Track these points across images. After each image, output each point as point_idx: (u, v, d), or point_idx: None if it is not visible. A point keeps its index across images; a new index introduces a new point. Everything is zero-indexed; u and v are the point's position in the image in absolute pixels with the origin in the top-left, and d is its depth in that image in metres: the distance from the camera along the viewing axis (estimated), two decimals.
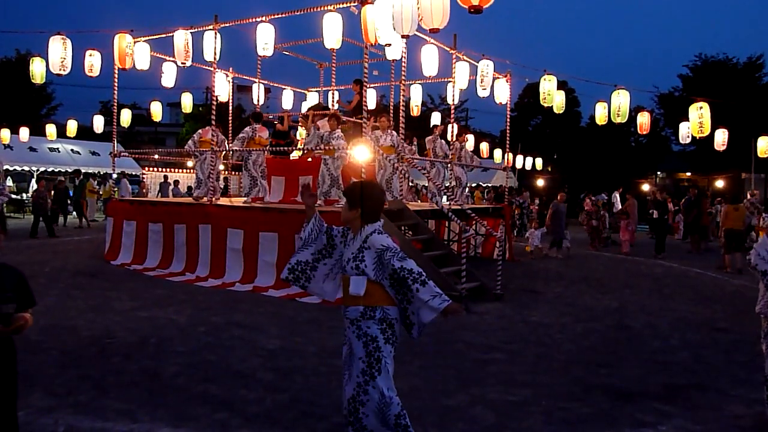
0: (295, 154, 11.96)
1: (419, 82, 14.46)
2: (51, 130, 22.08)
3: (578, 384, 4.78)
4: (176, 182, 20.06)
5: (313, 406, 4.12)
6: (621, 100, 12.61)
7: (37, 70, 11.70)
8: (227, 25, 10.49)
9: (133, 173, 25.28)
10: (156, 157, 20.49)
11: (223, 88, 13.98)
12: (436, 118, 16.20)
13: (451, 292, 6.73)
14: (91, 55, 11.64)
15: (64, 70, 10.84)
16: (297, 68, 16.43)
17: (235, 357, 5.27)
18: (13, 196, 23.34)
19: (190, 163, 13.09)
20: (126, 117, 18.21)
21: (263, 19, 9.99)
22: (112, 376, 4.56)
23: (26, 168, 23.25)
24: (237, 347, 5.60)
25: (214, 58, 10.69)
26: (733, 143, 14.66)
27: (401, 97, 9.99)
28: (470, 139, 19.05)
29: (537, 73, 13.24)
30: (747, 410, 4.31)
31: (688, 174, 35.10)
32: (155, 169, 19.27)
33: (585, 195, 17.73)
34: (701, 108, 11.98)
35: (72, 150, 24.89)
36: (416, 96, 15.16)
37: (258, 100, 14.06)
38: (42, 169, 23.53)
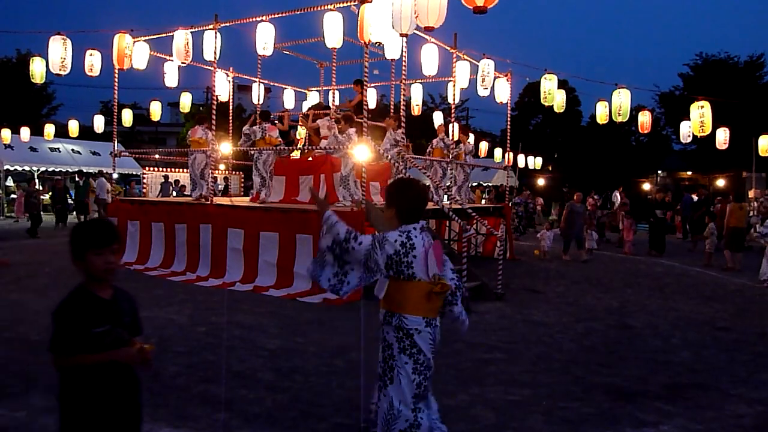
0: (296, 154, 11.95)
1: (420, 81, 14.44)
2: (51, 130, 22.10)
3: (579, 383, 4.77)
4: (177, 182, 19.99)
5: (314, 406, 4.11)
6: (622, 99, 12.60)
7: (37, 69, 11.70)
8: (227, 24, 10.48)
9: (134, 173, 25.31)
10: (157, 156, 20.45)
11: (223, 87, 13.98)
12: (437, 118, 16.20)
13: None
14: (91, 55, 11.64)
15: (64, 70, 10.84)
16: (297, 68, 16.43)
17: (235, 357, 5.27)
18: (13, 195, 23.38)
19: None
20: (127, 117, 18.23)
21: (263, 18, 9.98)
22: None
23: (27, 168, 23.27)
24: (237, 347, 5.60)
25: (215, 58, 10.68)
26: (734, 142, 14.64)
27: (402, 96, 9.98)
28: (471, 138, 19.11)
29: (537, 72, 13.25)
30: (748, 409, 4.31)
31: (689, 173, 35.10)
32: (156, 168, 19.24)
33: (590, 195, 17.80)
34: (702, 107, 11.96)
35: (73, 150, 24.92)
36: (417, 95, 15.15)
37: (258, 100, 14.04)
38: (43, 169, 23.55)
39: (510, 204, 14.51)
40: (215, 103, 11.01)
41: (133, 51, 11.38)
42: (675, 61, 39.19)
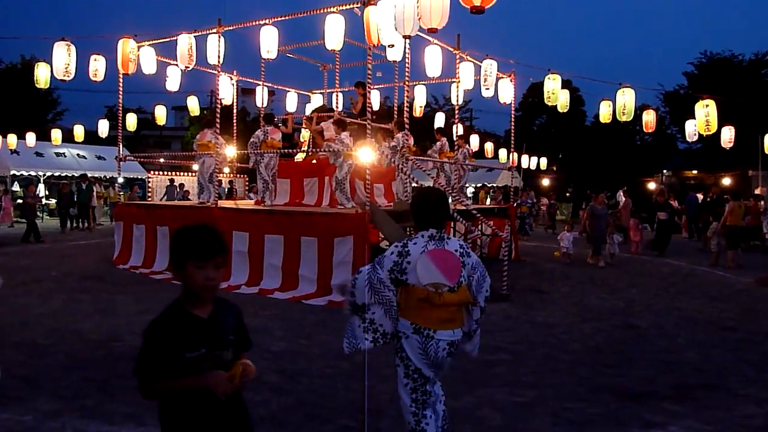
0: (300, 157, 11.97)
1: (423, 82, 14.45)
2: (57, 135, 22.19)
3: (585, 384, 4.75)
4: (182, 185, 20.06)
5: (319, 409, 4.11)
6: (626, 98, 12.55)
7: (41, 75, 11.76)
8: (231, 28, 10.51)
9: (140, 177, 25.38)
10: (161, 160, 20.53)
11: (227, 91, 14.01)
12: (440, 120, 16.19)
13: None
14: (95, 60, 11.68)
15: (68, 75, 10.88)
16: (301, 70, 16.45)
17: None
18: (20, 201, 23.47)
19: (195, 166, 13.15)
20: (131, 121, 18.29)
21: (266, 21, 10.00)
22: (118, 380, 4.56)
23: (33, 173, 23.38)
24: None
25: (218, 62, 10.71)
26: (739, 141, 14.58)
27: (405, 98, 9.99)
28: (474, 139, 19.05)
29: (541, 72, 13.22)
30: (757, 410, 4.28)
31: (695, 172, 34.97)
32: (161, 172, 19.31)
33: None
34: (707, 105, 11.92)
35: (78, 154, 25.02)
36: (420, 97, 15.15)
37: (262, 103, 14.08)
38: (48, 173, 23.65)
39: (514, 204, 14.49)
40: (219, 106, 11.03)
41: (139, 56, 11.42)
42: (679, 60, 39.03)
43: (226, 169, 16.23)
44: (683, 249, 15.69)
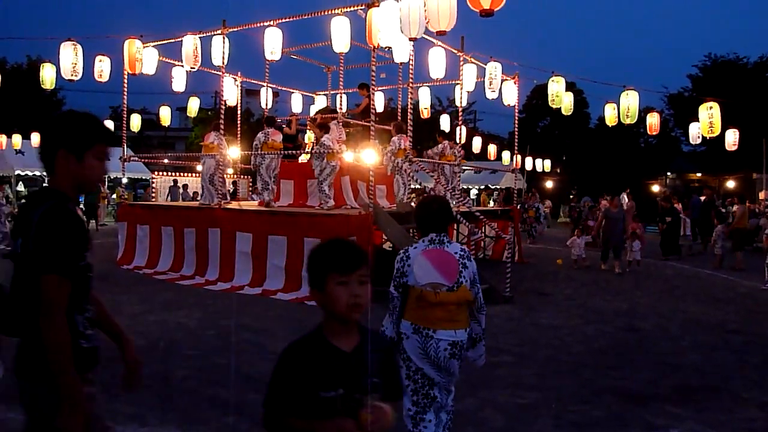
0: (304, 158, 11.99)
1: (427, 84, 14.46)
2: None
3: (588, 386, 4.75)
4: (185, 186, 20.12)
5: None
6: (630, 101, 12.54)
7: (47, 75, 11.80)
8: (235, 29, 10.54)
9: (144, 177, 25.45)
10: (165, 161, 20.57)
11: (231, 92, 14.05)
12: (444, 121, 16.19)
13: None
14: (101, 61, 11.72)
15: (75, 75, 10.92)
16: (305, 72, 16.46)
17: (244, 360, 5.28)
18: (24, 200, 23.56)
19: (199, 167, 13.25)
20: (136, 122, 18.34)
21: (271, 23, 10.02)
22: (119, 380, 4.58)
23: (38, 173, 23.43)
24: (246, 350, 5.61)
25: (223, 63, 10.74)
26: (744, 143, 14.54)
27: (409, 99, 10.00)
28: (474, 144, 19.05)
29: (545, 74, 13.23)
30: (760, 413, 4.28)
31: (699, 175, 34.88)
32: (165, 173, 19.35)
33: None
34: (711, 108, 11.89)
35: None
36: (424, 99, 15.17)
37: (266, 104, 14.10)
38: None
39: (518, 207, 14.47)
40: (223, 107, 11.06)
41: (144, 56, 11.46)
42: (683, 63, 39.04)
43: (230, 170, 16.28)
44: (686, 251, 15.65)
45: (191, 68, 11.25)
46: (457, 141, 12.43)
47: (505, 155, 24.26)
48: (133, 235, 11.14)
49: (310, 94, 16.07)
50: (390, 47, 8.79)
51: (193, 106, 16.55)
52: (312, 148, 12.62)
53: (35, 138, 21.65)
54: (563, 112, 13.70)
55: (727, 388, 4.80)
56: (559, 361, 5.50)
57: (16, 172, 22.46)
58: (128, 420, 3.86)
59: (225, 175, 11.56)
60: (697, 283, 10.55)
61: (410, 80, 10.01)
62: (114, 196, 23.04)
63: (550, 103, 13.20)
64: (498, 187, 26.74)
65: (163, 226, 10.61)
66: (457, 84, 12.11)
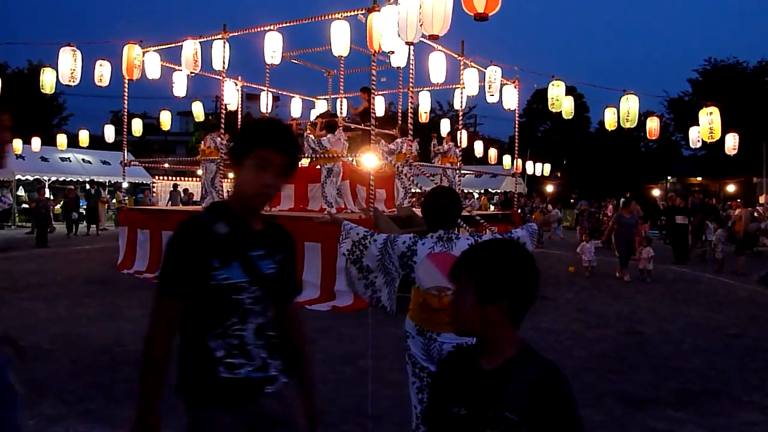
0: (304, 162, 12.00)
1: (427, 89, 14.49)
2: (62, 140, 22.30)
3: (589, 390, 4.74)
4: (186, 190, 20.20)
5: (323, 414, 4.10)
6: (630, 105, 12.57)
7: (47, 80, 11.83)
8: (236, 34, 10.56)
9: (145, 182, 25.49)
10: (166, 165, 20.60)
11: (232, 96, 14.08)
12: (445, 126, 16.22)
13: None
14: (101, 66, 11.75)
15: (73, 80, 10.95)
16: (305, 76, 16.51)
17: None
18: (25, 205, 23.57)
19: (200, 172, 13.36)
20: (137, 126, 18.36)
21: (271, 27, 10.05)
22: (122, 385, 4.57)
23: (38, 177, 23.47)
24: None
25: (223, 67, 10.76)
26: (744, 147, 14.57)
27: (409, 104, 10.02)
28: (475, 148, 19.08)
29: (545, 78, 13.26)
30: (761, 417, 4.26)
31: (699, 179, 34.91)
32: (165, 177, 19.38)
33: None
34: (711, 112, 11.92)
35: (83, 159, 25.11)
36: (425, 103, 15.19)
37: (267, 108, 14.12)
38: (54, 178, 23.74)
39: (518, 210, 14.46)
40: (224, 112, 11.08)
41: (144, 61, 11.49)
42: (684, 67, 39.15)
43: (231, 174, 16.30)
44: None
45: (192, 73, 11.28)
46: (458, 144, 12.44)
47: (506, 159, 24.31)
48: (134, 239, 11.13)
49: (311, 99, 16.09)
50: (393, 51, 8.81)
51: (198, 110, 16.59)
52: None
53: (35, 143, 21.70)
54: (563, 116, 13.73)
55: (729, 392, 4.79)
56: (561, 365, 5.42)
57: (17, 177, 22.47)
58: (128, 425, 3.84)
59: (226, 179, 11.57)
60: (698, 287, 10.53)
61: (410, 84, 10.02)
62: (114, 200, 23.05)
63: (550, 107, 13.24)
64: (498, 190, 26.76)
65: (164, 230, 10.60)
66: (458, 88, 12.13)
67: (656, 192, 29.93)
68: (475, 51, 11.67)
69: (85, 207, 20.21)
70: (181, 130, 49.84)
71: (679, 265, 13.42)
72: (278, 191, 1.80)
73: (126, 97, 12.20)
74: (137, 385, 1.80)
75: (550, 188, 31.41)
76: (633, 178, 31.85)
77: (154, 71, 11.80)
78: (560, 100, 13.01)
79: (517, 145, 13.54)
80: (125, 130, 12.97)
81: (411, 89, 10.25)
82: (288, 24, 10.04)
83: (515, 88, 12.97)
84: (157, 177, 25.05)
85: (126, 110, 12.55)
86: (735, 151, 13.92)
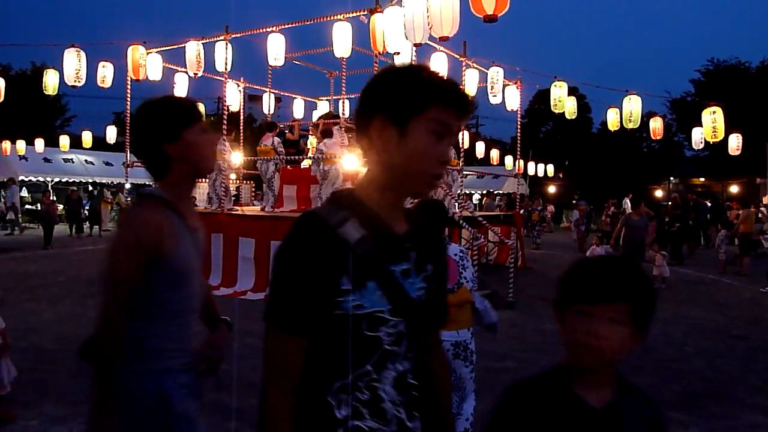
0: (306, 163, 12.01)
1: None
2: (65, 141, 22.34)
3: None
4: None
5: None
6: (633, 105, 12.55)
7: (50, 81, 11.86)
8: (238, 35, 10.57)
9: (147, 183, 25.51)
10: None
11: (234, 97, 14.08)
12: None
13: None
14: (104, 67, 11.77)
15: (78, 81, 10.96)
16: (307, 77, 16.54)
17: (246, 366, 5.26)
18: (28, 206, 23.63)
19: None
20: None
21: (274, 29, 10.06)
22: None
23: (41, 179, 23.52)
24: (249, 356, 5.60)
25: (226, 69, 10.77)
26: (747, 148, 14.53)
27: None
28: (477, 148, 19.06)
29: (547, 79, 13.24)
30: (764, 419, 4.25)
31: (702, 179, 34.85)
32: None
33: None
34: (714, 113, 11.89)
35: (86, 161, 25.16)
36: None
37: (269, 110, 14.13)
38: (57, 179, 23.80)
39: (521, 212, 14.44)
40: (226, 113, 11.09)
41: (147, 62, 11.51)
42: (686, 67, 39.10)
43: (233, 176, 16.31)
44: (687, 256, 15.60)
45: (195, 74, 11.28)
46: (459, 146, 12.43)
47: (508, 160, 24.29)
48: None
49: (313, 100, 16.10)
50: (392, 53, 8.81)
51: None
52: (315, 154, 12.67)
53: (39, 144, 21.75)
54: (566, 116, 13.72)
55: (731, 394, 4.77)
56: None
57: (20, 178, 22.53)
58: None
59: (228, 180, 11.58)
60: (700, 289, 10.51)
61: None
62: (115, 201, 23.09)
63: (552, 108, 13.22)
64: (500, 191, 26.73)
65: None
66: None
67: (659, 193, 29.90)
68: (477, 52, 11.68)
69: (87, 208, 20.24)
70: None
71: (681, 267, 13.40)
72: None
73: (129, 99, 12.22)
74: None
75: (552, 189, 31.38)
76: (636, 179, 31.80)
77: (155, 72, 11.82)
78: (562, 101, 12.99)
79: (519, 145, 13.52)
80: (128, 131, 12.98)
81: None
82: (290, 25, 10.05)
83: (517, 88, 12.95)
84: None
85: (129, 111, 12.55)
86: (738, 152, 13.88)
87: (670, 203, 15.95)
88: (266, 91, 14.00)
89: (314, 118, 14.24)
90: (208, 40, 10.98)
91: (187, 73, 12.16)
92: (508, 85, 12.76)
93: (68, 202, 19.23)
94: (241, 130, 14.27)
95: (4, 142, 21.36)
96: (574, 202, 28.16)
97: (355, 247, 1.17)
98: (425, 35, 7.34)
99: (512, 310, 8.02)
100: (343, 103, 11.41)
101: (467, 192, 24.44)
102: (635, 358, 5.82)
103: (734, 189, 27.14)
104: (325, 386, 1.21)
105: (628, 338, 1.20)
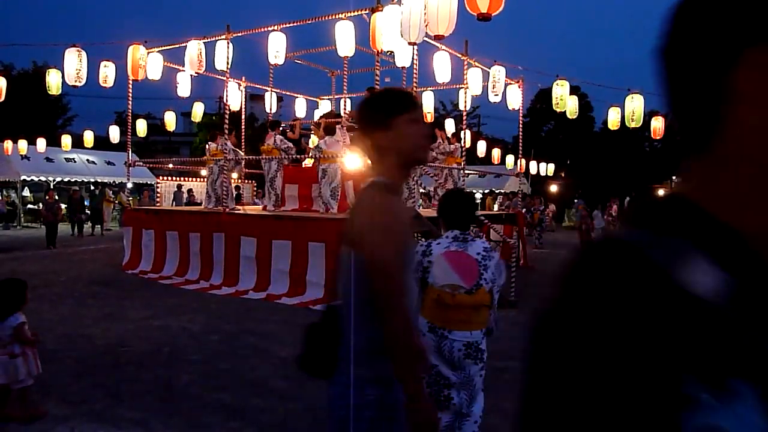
0: (308, 163, 12.00)
1: (431, 88, 14.46)
2: (67, 140, 22.36)
3: None
4: (189, 191, 20.12)
5: (327, 415, 4.09)
6: (635, 104, 12.51)
7: (53, 81, 11.85)
8: (239, 34, 10.57)
9: (149, 182, 25.55)
10: (170, 166, 20.62)
11: (235, 97, 14.06)
12: (449, 125, 16.19)
13: None
14: (105, 66, 11.76)
15: (79, 81, 10.95)
16: (309, 76, 16.54)
17: (248, 365, 5.27)
18: (30, 205, 23.65)
19: (203, 172, 13.40)
20: (141, 127, 18.37)
21: (275, 28, 10.04)
22: (126, 385, 4.57)
23: (43, 178, 23.56)
24: (250, 355, 5.60)
25: (227, 68, 10.76)
26: None
27: None
28: (478, 147, 19.03)
29: (549, 78, 13.20)
30: None
31: None
32: (169, 178, 19.37)
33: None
34: None
35: (88, 160, 25.19)
36: (428, 102, 15.15)
37: (270, 109, 14.12)
38: (59, 179, 23.83)
39: (523, 211, 14.41)
40: (227, 112, 11.08)
41: (148, 62, 11.50)
42: None
43: (234, 175, 16.31)
44: None
45: (195, 73, 11.28)
46: (462, 144, 12.42)
47: (510, 159, 24.24)
48: (139, 240, 11.15)
49: (314, 99, 16.09)
50: (392, 51, 8.80)
51: (198, 110, 16.60)
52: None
53: (41, 143, 21.77)
54: (568, 116, 13.68)
55: None
56: None
57: (22, 177, 22.57)
58: (132, 425, 3.85)
59: (230, 180, 11.57)
60: None
61: (414, 84, 10.01)
62: (116, 200, 23.11)
63: (554, 107, 13.19)
64: (502, 191, 26.70)
65: (169, 230, 10.62)
66: (461, 88, 12.11)
67: (662, 193, 29.83)
68: (479, 51, 11.67)
69: (89, 207, 20.26)
70: (185, 130, 49.87)
71: None
72: None
73: (130, 98, 12.23)
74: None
75: (554, 188, 31.33)
76: (638, 178, 31.75)
77: (156, 72, 11.81)
78: (564, 100, 12.96)
79: (521, 145, 13.50)
80: (129, 130, 13.00)
81: (415, 89, 10.24)
82: (291, 24, 10.04)
83: (519, 87, 12.92)
84: (161, 177, 25.07)
85: (130, 111, 12.57)
86: None
87: None
88: (268, 90, 13.99)
89: (316, 118, 14.24)
90: (209, 39, 10.97)
91: (188, 72, 12.16)
92: (510, 84, 12.73)
93: (70, 202, 19.26)
94: (243, 130, 14.27)
95: (6, 141, 21.39)
96: (575, 201, 28.15)
97: (718, 311, 0.49)
98: (421, 34, 7.33)
99: (514, 309, 8.01)
100: (345, 101, 11.40)
101: (471, 191, 24.43)
102: None
103: None
104: None
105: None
